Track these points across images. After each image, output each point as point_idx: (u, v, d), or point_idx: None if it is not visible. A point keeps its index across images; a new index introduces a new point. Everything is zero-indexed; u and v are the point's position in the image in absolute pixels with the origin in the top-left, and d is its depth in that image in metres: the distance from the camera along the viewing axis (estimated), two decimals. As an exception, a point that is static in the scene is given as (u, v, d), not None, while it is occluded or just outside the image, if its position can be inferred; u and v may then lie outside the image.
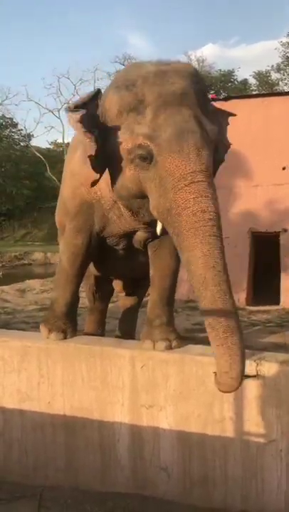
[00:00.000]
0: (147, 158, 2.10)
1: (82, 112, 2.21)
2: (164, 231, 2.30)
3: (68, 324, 2.86)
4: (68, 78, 27.02)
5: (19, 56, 55.17)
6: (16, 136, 29.75)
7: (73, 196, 2.82)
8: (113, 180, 2.32)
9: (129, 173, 2.21)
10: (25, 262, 15.10)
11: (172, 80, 2.13)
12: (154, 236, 2.66)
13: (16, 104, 39.87)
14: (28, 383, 2.73)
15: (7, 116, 29.33)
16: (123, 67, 24.49)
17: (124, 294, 4.21)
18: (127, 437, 2.56)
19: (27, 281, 9.34)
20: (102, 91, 2.37)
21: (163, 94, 2.09)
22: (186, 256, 2.01)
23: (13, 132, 29.91)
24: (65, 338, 2.79)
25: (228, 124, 2.72)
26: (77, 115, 2.20)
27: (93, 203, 2.68)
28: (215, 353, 1.96)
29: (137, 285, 3.90)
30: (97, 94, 2.33)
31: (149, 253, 2.85)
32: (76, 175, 2.73)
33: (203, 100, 2.26)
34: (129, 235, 2.79)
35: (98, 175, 2.30)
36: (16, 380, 2.75)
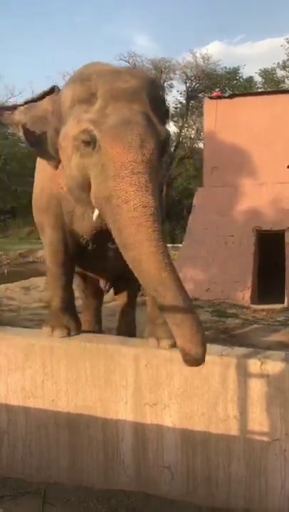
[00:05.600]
0: (90, 144, 2.08)
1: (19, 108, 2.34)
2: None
3: (71, 321, 2.86)
4: (73, 76, 26.98)
5: (24, 54, 55.39)
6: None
7: (41, 191, 2.87)
8: (64, 171, 2.33)
9: (74, 161, 2.20)
10: (30, 259, 15.10)
11: (126, 79, 2.14)
12: None
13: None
14: (32, 381, 2.73)
15: (12, 113, 29.39)
16: (128, 64, 24.15)
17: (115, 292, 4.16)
18: (131, 436, 2.56)
19: (32, 278, 9.33)
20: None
21: (115, 89, 2.10)
22: (133, 254, 1.95)
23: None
24: (68, 334, 2.79)
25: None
26: (16, 111, 2.33)
27: (60, 198, 2.70)
28: (180, 347, 1.97)
29: (125, 282, 3.74)
30: (51, 90, 2.38)
31: None
32: (43, 170, 2.78)
33: (156, 104, 2.20)
34: (100, 232, 2.61)
35: (55, 165, 2.38)
36: (20, 378, 2.76)
